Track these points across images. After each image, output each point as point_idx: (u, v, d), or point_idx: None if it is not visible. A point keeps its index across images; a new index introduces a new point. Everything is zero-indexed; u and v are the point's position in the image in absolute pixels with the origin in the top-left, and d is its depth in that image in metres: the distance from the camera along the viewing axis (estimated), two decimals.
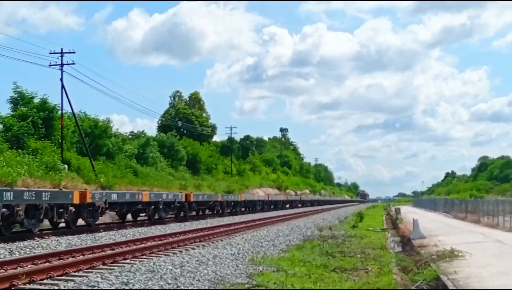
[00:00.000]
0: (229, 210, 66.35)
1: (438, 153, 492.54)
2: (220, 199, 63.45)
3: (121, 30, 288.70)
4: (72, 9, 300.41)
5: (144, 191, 47.04)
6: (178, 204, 50.87)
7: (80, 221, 34.75)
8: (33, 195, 29.93)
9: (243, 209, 71.51)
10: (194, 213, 55.62)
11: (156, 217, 46.06)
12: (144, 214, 46.01)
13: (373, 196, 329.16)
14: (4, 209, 27.39)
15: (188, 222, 47.65)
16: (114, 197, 39.41)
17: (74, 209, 34.01)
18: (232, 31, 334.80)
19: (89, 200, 35.09)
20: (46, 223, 32.25)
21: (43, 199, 30.60)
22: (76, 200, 33.81)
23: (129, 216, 45.12)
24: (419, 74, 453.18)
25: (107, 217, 42.02)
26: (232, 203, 68.45)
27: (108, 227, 37.68)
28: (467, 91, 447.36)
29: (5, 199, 27.38)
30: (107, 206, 38.33)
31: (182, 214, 51.97)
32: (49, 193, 31.79)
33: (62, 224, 34.53)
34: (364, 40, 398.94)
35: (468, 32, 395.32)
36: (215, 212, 62.33)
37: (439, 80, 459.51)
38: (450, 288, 15.15)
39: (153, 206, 45.35)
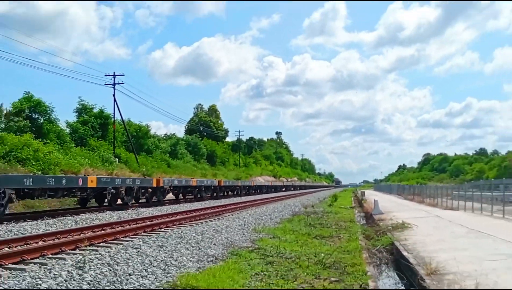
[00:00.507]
0: (245, 192, 66.42)
1: (393, 151, 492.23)
2: (240, 184, 64.78)
3: (158, 59, 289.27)
4: (123, 43, 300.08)
5: (193, 178, 51.39)
6: (213, 187, 52.40)
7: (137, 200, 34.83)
8: (131, 181, 33.91)
9: (253, 191, 71.26)
10: (222, 193, 56.63)
11: (199, 196, 47.49)
12: (191, 194, 47.31)
13: (345, 183, 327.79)
14: (112, 190, 30.61)
15: (218, 199, 48.61)
16: (175, 182, 42.17)
17: (151, 190, 37.07)
18: (240, 59, 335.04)
19: (161, 184, 38.14)
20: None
21: (136, 183, 34.17)
22: (154, 184, 37.28)
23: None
24: (379, 92, 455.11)
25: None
26: (247, 187, 68.44)
27: (170, 202, 40.16)
28: (415, 105, 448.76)
29: (115, 183, 31.17)
30: (171, 188, 40.72)
31: (215, 194, 53.10)
32: (139, 179, 36.23)
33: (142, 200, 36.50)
34: (338, 66, 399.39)
35: (415, 61, 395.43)
36: (235, 193, 62.76)
37: (394, 97, 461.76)
38: (402, 250, 15.12)
39: (197, 189, 47.28)
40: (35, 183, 23.53)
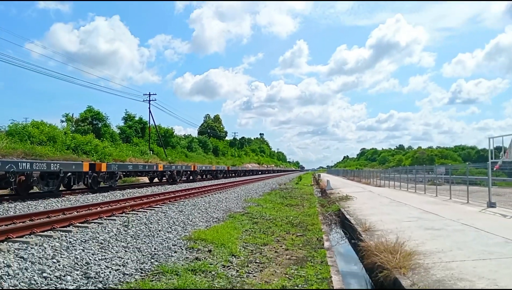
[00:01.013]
0: (241, 174, 67.08)
1: (340, 146, 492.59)
2: (239, 169, 67.11)
3: (180, 83, 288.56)
4: (155, 72, 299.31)
5: (213, 165, 54.98)
6: (224, 171, 54.18)
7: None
8: (179, 166, 36.69)
9: (243, 174, 71.43)
10: (231, 175, 58.82)
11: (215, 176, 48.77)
12: (210, 175, 48.50)
13: (307, 168, 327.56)
14: (169, 172, 33.45)
15: (225, 179, 49.09)
16: (203, 168, 44.83)
17: (190, 172, 39.32)
18: (235, 84, 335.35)
19: (195, 169, 40.38)
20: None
21: (182, 168, 36.88)
22: (192, 169, 39.58)
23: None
24: (331, 106, 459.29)
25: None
26: (241, 171, 68.75)
27: (197, 179, 41.69)
28: (355, 115, 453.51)
29: (172, 168, 34.41)
30: (199, 171, 42.84)
31: (226, 175, 55.22)
32: (184, 165, 38.79)
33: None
34: (303, 88, 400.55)
35: (355, 85, 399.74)
36: (236, 175, 63.24)
37: (340, 109, 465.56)
38: (345, 213, 15.16)
39: (215, 171, 49.28)
40: (133, 168, 27.40)
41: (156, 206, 15.78)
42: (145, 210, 14.30)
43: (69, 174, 19.95)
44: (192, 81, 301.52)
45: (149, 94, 60.29)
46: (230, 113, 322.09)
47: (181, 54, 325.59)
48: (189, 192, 22.39)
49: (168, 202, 17.39)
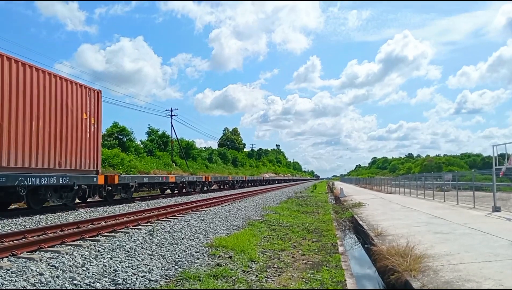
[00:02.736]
0: (258, 184, 66.48)
1: (352, 155, 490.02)
2: (255, 178, 65.84)
3: (200, 98, 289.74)
4: (177, 89, 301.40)
5: (230, 175, 54.32)
6: (241, 181, 53.41)
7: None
8: (194, 177, 35.59)
9: (262, 183, 71.38)
10: (248, 184, 57.88)
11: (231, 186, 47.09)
12: (227, 185, 47.81)
13: (322, 177, 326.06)
14: (180, 183, 31.97)
15: (242, 188, 47.50)
16: (218, 178, 43.71)
17: (203, 183, 37.08)
18: (253, 98, 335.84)
19: (209, 179, 38.64)
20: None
21: (198, 179, 35.81)
22: (204, 179, 37.22)
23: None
24: (343, 118, 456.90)
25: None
26: (259, 181, 68.23)
27: (210, 190, 40.03)
28: (366, 126, 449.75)
29: (184, 179, 32.94)
30: (213, 182, 41.36)
31: (243, 185, 54.24)
32: (201, 177, 37.11)
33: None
34: (316, 102, 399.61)
35: (366, 97, 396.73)
36: (253, 184, 62.70)
37: (352, 121, 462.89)
38: (358, 219, 15.10)
39: (232, 182, 48.50)
40: (149, 180, 26.17)
41: (179, 215, 15.85)
42: (169, 219, 14.38)
43: (84, 186, 18.87)
44: (211, 96, 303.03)
45: (171, 110, 60.94)
46: (248, 126, 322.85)
47: (201, 72, 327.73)
48: (210, 201, 22.45)
49: (191, 211, 17.47)
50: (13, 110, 14.71)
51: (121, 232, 11.30)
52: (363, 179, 72.45)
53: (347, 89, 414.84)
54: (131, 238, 10.34)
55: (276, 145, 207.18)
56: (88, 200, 21.39)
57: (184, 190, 32.98)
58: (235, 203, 23.49)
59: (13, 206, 18.96)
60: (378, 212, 17.71)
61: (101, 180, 19.89)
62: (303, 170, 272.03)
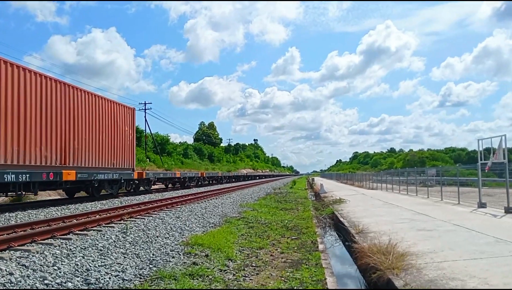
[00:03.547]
0: (234, 180, 64.71)
1: (333, 150, 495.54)
2: (231, 174, 64.13)
3: (175, 91, 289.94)
4: (151, 81, 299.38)
5: (205, 171, 52.48)
6: (219, 177, 53.67)
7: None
8: (190, 173, 40.81)
9: (242, 179, 70.93)
10: (221, 182, 55.85)
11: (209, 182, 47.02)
12: (207, 181, 48.33)
13: (302, 173, 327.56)
14: (176, 179, 36.80)
15: (220, 184, 47.36)
16: (210, 174, 48.80)
17: (199, 178, 43.41)
18: (230, 91, 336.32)
19: (204, 175, 44.91)
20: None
21: (193, 175, 41.62)
22: (200, 175, 43.61)
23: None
24: (323, 111, 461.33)
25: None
26: (235, 177, 66.62)
27: (189, 187, 39.27)
28: (347, 119, 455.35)
29: (187, 175, 39.09)
30: (206, 177, 45.64)
31: (221, 181, 54.37)
32: (193, 172, 42.78)
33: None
34: (296, 94, 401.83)
35: (347, 90, 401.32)
36: (230, 181, 61.87)
37: (333, 114, 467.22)
38: (338, 216, 15.19)
39: (206, 178, 47.24)
40: (164, 175, 33.55)
41: (153, 212, 15.79)
42: (143, 217, 14.30)
43: (122, 181, 25.31)
44: (187, 89, 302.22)
45: (145, 103, 60.56)
46: (225, 120, 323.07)
47: (176, 64, 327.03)
48: (186, 198, 22.38)
49: (166, 209, 17.41)
50: (90, 128, 22.10)
51: (94, 230, 11.23)
52: (344, 175, 73.04)
53: (328, 82, 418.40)
54: (103, 236, 10.28)
55: (254, 140, 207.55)
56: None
57: (186, 184, 38.52)
58: (211, 200, 23.47)
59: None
60: (359, 209, 17.86)
61: (135, 175, 27.09)
62: (282, 165, 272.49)
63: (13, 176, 15.90)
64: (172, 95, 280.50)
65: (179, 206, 18.74)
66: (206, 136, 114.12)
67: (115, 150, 24.76)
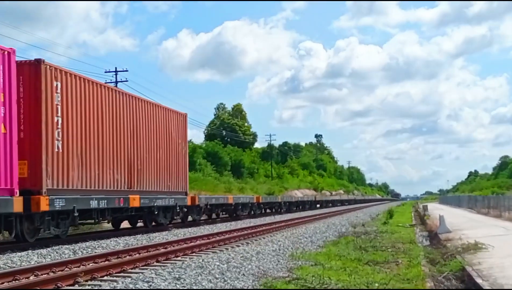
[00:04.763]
0: (274, 209, 65.96)
1: (461, 153, 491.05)
2: (280, 200, 68.01)
3: (171, 49, 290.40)
4: (128, 32, 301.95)
5: (230, 195, 59.26)
6: (250, 205, 55.39)
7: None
8: (243, 198, 53.64)
9: (294, 207, 73.02)
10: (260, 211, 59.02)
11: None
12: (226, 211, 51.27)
13: (404, 195, 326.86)
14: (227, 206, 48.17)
15: (251, 218, 50.12)
16: (268, 200, 61.09)
17: (253, 205, 56.90)
18: (271, 47, 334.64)
19: (260, 200, 57.36)
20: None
21: (247, 200, 54.10)
22: (256, 200, 55.78)
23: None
24: (444, 82, 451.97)
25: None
26: (277, 204, 67.11)
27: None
28: (488, 96, 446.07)
29: (229, 201, 47.93)
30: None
31: (254, 211, 56.19)
32: (247, 197, 56.23)
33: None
34: (392, 52, 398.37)
35: (488, 42, 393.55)
36: (274, 209, 64.11)
37: (462, 87, 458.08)
38: (475, 277, 15.03)
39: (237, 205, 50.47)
40: (216, 200, 44.36)
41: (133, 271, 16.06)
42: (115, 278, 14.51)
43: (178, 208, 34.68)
44: (193, 45, 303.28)
45: (116, 71, 61.35)
46: (262, 101, 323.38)
47: None
48: (189, 244, 22.58)
49: (155, 263, 17.63)
50: (148, 143, 30.41)
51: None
52: (482, 199, 72.21)
53: (451, 27, 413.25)
54: None
55: (316, 136, 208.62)
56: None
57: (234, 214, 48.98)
58: (239, 246, 23.60)
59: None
60: None
61: (188, 201, 36.24)
62: (367, 182, 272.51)
63: (95, 201, 24.69)
64: (166, 56, 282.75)
65: (179, 258, 18.87)
66: (229, 130, 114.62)
67: (170, 169, 33.57)
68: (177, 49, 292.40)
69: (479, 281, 14.33)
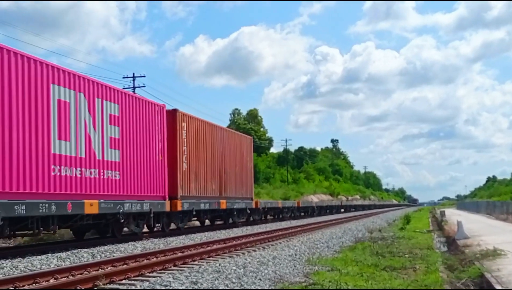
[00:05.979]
0: (291, 214, 67.91)
1: (479, 159, 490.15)
2: (314, 205, 77.72)
3: (188, 55, 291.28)
4: (146, 38, 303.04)
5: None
6: (293, 208, 67.87)
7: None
8: (288, 203, 68.02)
9: (310, 212, 75.42)
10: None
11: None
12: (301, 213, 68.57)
13: (422, 201, 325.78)
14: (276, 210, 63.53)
15: (264, 223, 52.23)
16: (306, 204, 73.55)
17: (294, 209, 68.47)
18: (287, 52, 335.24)
19: (299, 205, 70.65)
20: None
21: (291, 205, 67.38)
22: (297, 205, 69.80)
23: None
24: (461, 87, 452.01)
25: None
26: (291, 209, 68.01)
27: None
28: (507, 101, 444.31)
29: (279, 205, 62.95)
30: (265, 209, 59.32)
31: (281, 216, 63.93)
32: (291, 202, 70.16)
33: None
34: (409, 56, 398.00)
35: (506, 46, 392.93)
36: (291, 214, 66.35)
37: (480, 92, 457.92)
38: (494, 284, 14.92)
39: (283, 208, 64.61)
40: (271, 205, 59.28)
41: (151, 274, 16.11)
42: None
43: (248, 210, 49.84)
44: (209, 50, 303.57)
45: (133, 77, 61.37)
46: (278, 106, 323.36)
47: (190, 5, 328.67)
48: (205, 249, 22.58)
49: (173, 267, 17.65)
50: (229, 161, 44.97)
51: None
52: (501, 205, 71.82)
53: (469, 32, 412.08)
54: None
55: (332, 141, 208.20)
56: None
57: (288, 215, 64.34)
58: (255, 251, 23.59)
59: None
60: None
61: (254, 204, 50.11)
62: (383, 187, 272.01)
63: (203, 205, 37.72)
64: (183, 62, 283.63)
65: (197, 263, 18.85)
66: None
67: (242, 180, 47.14)
68: (194, 55, 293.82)
69: (498, 287, 14.21)
